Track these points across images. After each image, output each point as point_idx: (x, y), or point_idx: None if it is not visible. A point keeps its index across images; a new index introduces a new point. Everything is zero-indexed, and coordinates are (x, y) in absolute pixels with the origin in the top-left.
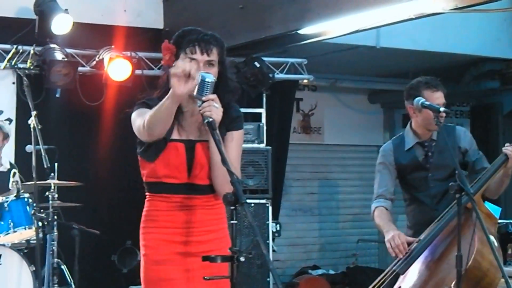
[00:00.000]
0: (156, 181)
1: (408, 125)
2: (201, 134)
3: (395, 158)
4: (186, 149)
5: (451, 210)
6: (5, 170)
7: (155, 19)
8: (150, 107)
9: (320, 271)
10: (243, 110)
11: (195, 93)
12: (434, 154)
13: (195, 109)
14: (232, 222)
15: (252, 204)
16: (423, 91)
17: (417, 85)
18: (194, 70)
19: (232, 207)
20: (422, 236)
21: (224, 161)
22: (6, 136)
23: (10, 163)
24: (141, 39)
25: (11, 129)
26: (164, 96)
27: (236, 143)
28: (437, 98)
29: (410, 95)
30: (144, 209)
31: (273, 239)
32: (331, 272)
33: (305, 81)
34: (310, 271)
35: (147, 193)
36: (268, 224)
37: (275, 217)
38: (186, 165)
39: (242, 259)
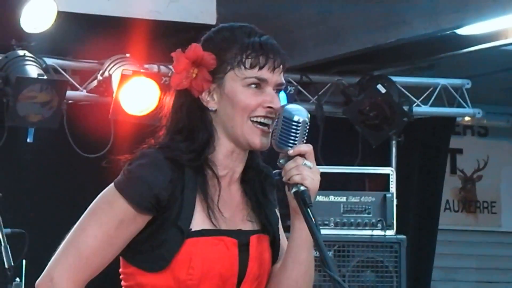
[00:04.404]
0: None
1: None
2: (258, 219)
3: None
4: (240, 249)
5: None
6: None
7: (201, 10)
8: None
9: None
10: (357, 170)
11: (275, 142)
12: None
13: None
14: None
15: None
16: None
17: None
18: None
19: None
20: None
21: (326, 264)
22: None
23: None
24: (178, 42)
25: None
26: (169, 144)
27: None
28: None
29: None
30: None
31: None
32: None
33: (468, 118)
34: None
35: None
36: None
37: None
38: (237, 276)
39: None
